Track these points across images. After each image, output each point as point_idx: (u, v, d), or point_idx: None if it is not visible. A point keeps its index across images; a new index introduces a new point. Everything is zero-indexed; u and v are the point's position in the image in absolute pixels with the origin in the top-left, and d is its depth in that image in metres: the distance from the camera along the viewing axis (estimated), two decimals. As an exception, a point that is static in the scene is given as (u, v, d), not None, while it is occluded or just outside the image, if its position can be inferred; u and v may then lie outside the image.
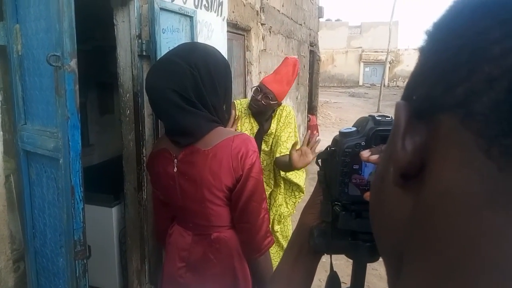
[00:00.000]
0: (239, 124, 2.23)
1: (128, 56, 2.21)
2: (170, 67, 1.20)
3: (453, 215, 0.25)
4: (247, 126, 2.25)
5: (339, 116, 13.76)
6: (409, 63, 31.17)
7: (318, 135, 2.20)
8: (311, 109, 6.89)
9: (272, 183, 2.37)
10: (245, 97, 3.86)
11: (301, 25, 6.01)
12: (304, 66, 6.32)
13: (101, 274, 2.37)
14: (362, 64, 33.58)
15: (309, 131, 6.71)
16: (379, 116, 0.53)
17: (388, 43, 19.20)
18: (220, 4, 3.00)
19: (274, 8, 4.52)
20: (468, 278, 0.23)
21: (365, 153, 0.47)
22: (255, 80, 3.93)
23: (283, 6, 4.89)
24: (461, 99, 0.24)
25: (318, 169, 0.60)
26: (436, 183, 0.26)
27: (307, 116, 6.75)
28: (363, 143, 0.52)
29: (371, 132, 0.51)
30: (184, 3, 2.45)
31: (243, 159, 1.22)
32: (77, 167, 1.33)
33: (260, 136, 2.29)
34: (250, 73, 3.87)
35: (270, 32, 4.39)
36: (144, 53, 2.14)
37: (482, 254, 0.23)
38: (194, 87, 1.19)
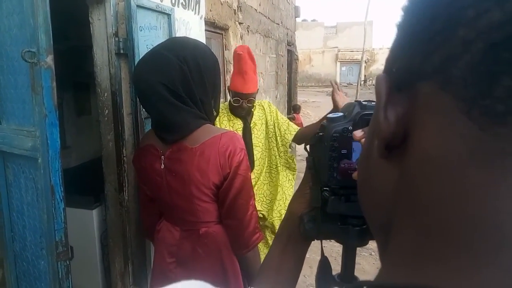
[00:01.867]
0: (217, 123, 2.22)
1: (105, 54, 2.17)
2: (159, 60, 1.20)
3: (436, 179, 0.25)
4: (226, 124, 2.24)
5: (318, 115, 13.88)
6: (384, 62, 31.71)
7: None
8: (295, 108, 6.94)
9: (268, 175, 2.37)
10: (225, 96, 3.85)
11: (278, 24, 6.04)
12: (283, 65, 6.35)
13: (84, 278, 2.31)
14: (338, 63, 34.08)
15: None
16: (365, 101, 0.54)
17: (363, 43, 19.56)
18: (197, 2, 2.98)
19: (252, 7, 4.54)
20: (455, 236, 0.24)
21: (358, 133, 0.47)
22: (234, 79, 3.93)
23: (260, 5, 4.90)
24: (439, 65, 0.25)
25: (307, 155, 0.60)
26: (419, 150, 0.27)
27: (292, 115, 6.80)
28: (350, 128, 0.53)
29: (358, 116, 0.52)
30: (161, 0, 2.43)
31: (230, 157, 1.23)
32: (56, 166, 1.29)
33: (249, 130, 2.30)
34: (230, 72, 3.86)
35: (248, 31, 4.40)
36: (122, 51, 2.11)
37: (469, 211, 0.23)
38: (183, 81, 1.18)
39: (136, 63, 2.08)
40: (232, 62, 3.78)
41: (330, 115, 0.55)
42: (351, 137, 0.52)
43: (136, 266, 2.22)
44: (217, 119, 2.18)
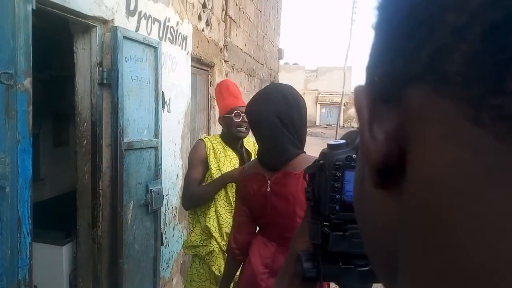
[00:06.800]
0: (219, 163, 2.08)
1: (88, 84, 2.12)
2: (271, 96, 1.45)
3: (447, 209, 0.20)
4: (224, 161, 2.10)
5: (298, 155, 13.97)
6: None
7: None
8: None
9: None
10: (208, 130, 3.82)
11: (262, 64, 6.17)
12: (266, 104, 6.43)
13: (47, 322, 2.12)
14: (318, 105, 34.94)
15: None
16: None
17: (343, 86, 20.19)
18: (185, 38, 3.01)
19: (237, 46, 4.62)
20: (479, 282, 0.18)
21: None
22: (218, 115, 3.91)
23: (245, 45, 5.01)
24: (428, 62, 0.20)
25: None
26: (419, 172, 0.21)
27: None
28: (354, 156, 0.48)
29: None
30: (149, 33, 2.43)
31: None
32: (25, 196, 1.20)
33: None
34: (214, 107, 3.86)
35: (233, 69, 4.45)
36: (105, 81, 2.07)
37: (493, 248, 0.18)
38: (288, 113, 1.42)
39: (118, 93, 2.04)
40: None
41: (332, 142, 0.50)
42: (354, 166, 0.47)
43: (106, 309, 2.06)
44: (213, 154, 2.08)
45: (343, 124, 28.00)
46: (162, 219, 2.55)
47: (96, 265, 2.05)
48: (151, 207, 2.31)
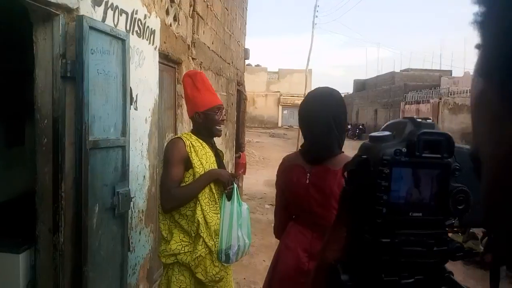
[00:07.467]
0: (201, 160, 1.98)
1: (49, 77, 1.95)
2: (327, 97, 1.60)
3: None
4: (205, 159, 2.01)
5: (262, 155, 14.00)
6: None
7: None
8: (239, 146, 6.86)
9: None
10: (176, 130, 3.69)
11: (229, 64, 6.08)
12: (232, 104, 6.33)
13: None
14: (280, 107, 35.29)
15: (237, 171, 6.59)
16: (418, 118, 0.44)
17: (304, 89, 20.52)
18: (152, 32, 2.87)
19: (205, 44, 4.51)
20: None
21: None
22: (185, 114, 3.79)
23: (212, 43, 4.90)
24: None
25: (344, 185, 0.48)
26: None
27: (239, 153, 6.69)
28: (404, 149, 0.42)
29: (414, 136, 0.42)
30: (116, 25, 2.28)
31: None
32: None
33: (221, 161, 2.16)
34: (181, 106, 3.72)
35: (201, 67, 4.33)
36: (69, 75, 1.90)
37: None
38: (339, 114, 1.58)
39: (84, 87, 1.89)
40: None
41: (375, 134, 0.44)
42: (404, 161, 0.41)
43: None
44: (194, 152, 1.97)
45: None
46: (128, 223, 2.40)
47: (58, 274, 1.88)
48: (118, 210, 2.16)
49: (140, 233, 2.76)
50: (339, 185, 1.51)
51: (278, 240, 1.78)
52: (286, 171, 1.70)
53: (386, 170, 0.42)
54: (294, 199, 1.67)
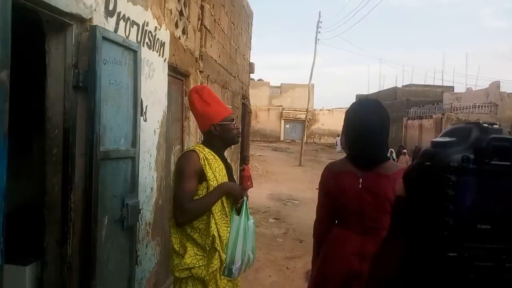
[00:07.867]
0: (215, 173, 1.95)
1: (60, 87, 1.94)
2: (378, 108, 1.71)
3: None
4: (218, 171, 1.98)
5: (265, 168, 13.94)
6: (324, 121, 33.99)
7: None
8: (244, 159, 6.83)
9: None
10: (183, 142, 3.67)
11: (235, 77, 6.10)
12: (237, 117, 6.34)
13: None
14: (282, 121, 35.34)
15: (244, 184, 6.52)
16: (484, 123, 0.41)
17: (307, 103, 20.56)
18: (162, 45, 2.87)
19: (212, 57, 4.53)
20: None
21: None
22: (192, 126, 3.78)
23: (219, 57, 4.92)
24: None
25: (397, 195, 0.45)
26: None
27: (243, 166, 6.66)
28: (471, 156, 0.39)
29: (483, 142, 0.39)
30: (127, 36, 2.28)
31: None
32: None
33: (231, 174, 2.12)
34: (188, 118, 3.71)
35: (208, 80, 4.34)
36: (81, 84, 1.89)
37: None
38: (386, 123, 1.71)
39: (96, 97, 1.87)
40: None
41: (438, 139, 0.41)
42: (472, 169, 0.38)
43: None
44: (208, 164, 1.92)
45: (306, 140, 28.47)
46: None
47: (65, 288, 1.84)
48: (127, 222, 2.12)
49: (147, 246, 2.71)
50: (393, 189, 1.53)
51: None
52: (335, 177, 1.76)
53: (453, 178, 0.39)
54: (346, 204, 1.72)
